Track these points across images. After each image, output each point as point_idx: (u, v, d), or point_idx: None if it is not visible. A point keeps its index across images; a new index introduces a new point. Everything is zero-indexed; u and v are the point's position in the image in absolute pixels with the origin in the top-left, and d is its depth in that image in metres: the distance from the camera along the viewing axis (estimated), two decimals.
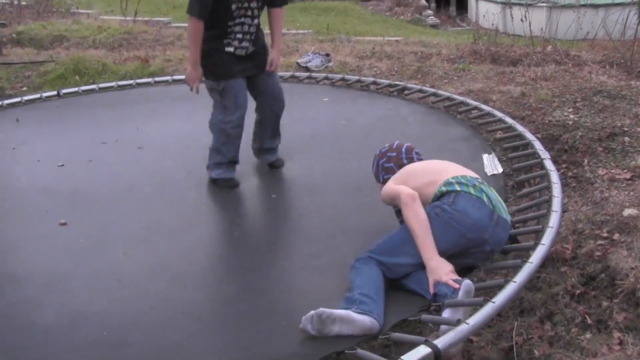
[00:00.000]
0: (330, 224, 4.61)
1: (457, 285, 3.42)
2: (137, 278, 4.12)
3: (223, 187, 5.25)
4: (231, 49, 5.02)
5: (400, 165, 4.25)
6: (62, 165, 5.83)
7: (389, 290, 3.68)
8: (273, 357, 3.31)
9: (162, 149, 6.19)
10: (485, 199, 3.69)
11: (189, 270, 4.21)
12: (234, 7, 4.86)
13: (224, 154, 5.23)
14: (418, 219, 3.65)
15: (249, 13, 4.96)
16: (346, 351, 3.24)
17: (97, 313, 3.75)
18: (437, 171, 3.96)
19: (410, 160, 4.30)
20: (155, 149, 6.20)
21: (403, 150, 4.36)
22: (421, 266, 3.64)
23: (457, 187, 3.72)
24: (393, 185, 3.98)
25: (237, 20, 4.94)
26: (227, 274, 4.23)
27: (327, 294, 3.75)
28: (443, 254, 3.65)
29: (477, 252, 3.73)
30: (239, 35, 5.00)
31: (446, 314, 3.38)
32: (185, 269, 4.21)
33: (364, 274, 3.64)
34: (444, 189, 3.77)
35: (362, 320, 3.31)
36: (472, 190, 3.71)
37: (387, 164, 4.34)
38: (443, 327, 3.28)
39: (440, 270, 3.53)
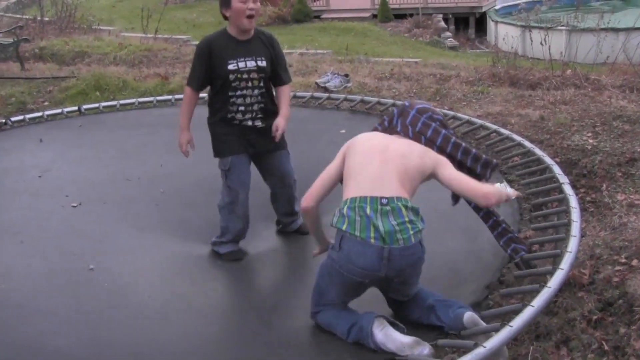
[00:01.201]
0: None
1: None
2: (161, 315, 4.16)
3: (230, 261, 4.94)
4: (236, 122, 4.85)
5: (381, 124, 4.10)
6: (79, 205, 5.75)
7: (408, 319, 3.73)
8: None
9: (184, 175, 6.18)
10: (372, 234, 3.46)
11: (212, 309, 4.26)
12: (232, 77, 4.72)
13: (232, 232, 4.98)
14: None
15: (249, 84, 4.78)
16: None
17: (123, 344, 3.81)
18: (357, 170, 3.72)
19: (390, 125, 4.07)
20: (177, 178, 6.20)
21: (411, 112, 4.10)
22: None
23: (344, 226, 3.51)
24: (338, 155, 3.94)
25: (239, 93, 4.78)
26: (248, 313, 4.23)
27: None
28: (347, 296, 3.71)
29: (387, 284, 3.65)
30: (242, 108, 4.82)
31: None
32: (207, 308, 4.25)
33: (332, 315, 3.73)
34: (335, 220, 3.60)
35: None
36: (357, 230, 3.48)
37: (384, 116, 4.12)
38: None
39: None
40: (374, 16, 23.63)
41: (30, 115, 8.02)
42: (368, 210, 3.48)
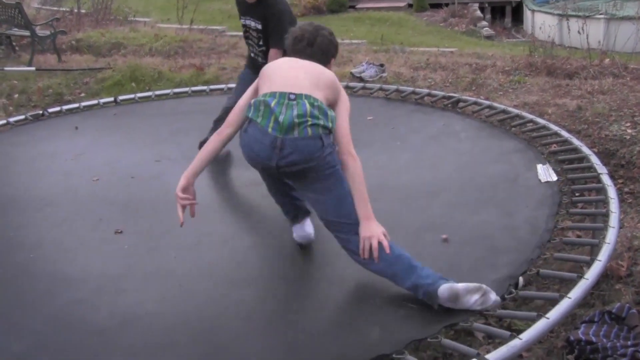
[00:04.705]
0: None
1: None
2: (187, 281, 4.19)
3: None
4: (252, 54, 6.11)
5: None
6: (97, 179, 5.91)
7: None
8: (320, 359, 3.34)
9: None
10: (271, 124, 3.53)
11: (238, 274, 4.27)
12: (243, 29, 5.98)
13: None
14: (203, 148, 3.86)
15: (253, 38, 5.92)
16: (394, 356, 3.22)
17: (148, 314, 3.84)
18: (272, 75, 3.81)
19: None
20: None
21: None
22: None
23: (250, 113, 3.63)
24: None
25: (249, 41, 6.01)
26: (276, 278, 4.26)
27: (381, 293, 3.82)
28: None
29: (284, 172, 3.71)
30: (252, 55, 6.07)
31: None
32: (234, 273, 4.28)
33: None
34: (247, 113, 3.70)
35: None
36: (259, 117, 3.57)
37: None
38: None
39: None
40: (410, 6, 23.46)
41: (67, 107, 8.10)
42: (273, 103, 3.57)
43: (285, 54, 4.11)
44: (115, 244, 4.74)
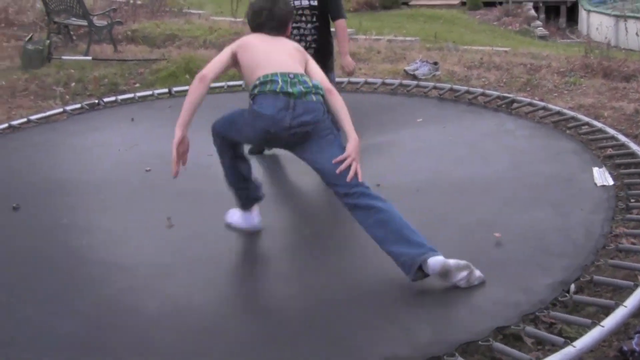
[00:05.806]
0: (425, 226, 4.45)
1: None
2: (237, 271, 4.33)
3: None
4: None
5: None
6: (150, 169, 5.97)
7: (489, 291, 3.76)
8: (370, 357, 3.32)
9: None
10: (283, 91, 3.88)
11: (289, 266, 4.36)
12: None
13: None
14: (189, 95, 4.14)
15: (303, 19, 5.89)
16: (445, 357, 3.21)
17: (198, 302, 3.90)
18: (263, 59, 4.09)
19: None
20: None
21: None
22: None
23: (257, 90, 3.95)
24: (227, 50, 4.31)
25: (295, 25, 5.77)
26: (326, 272, 4.28)
27: (430, 293, 3.82)
28: (249, 142, 4.53)
29: (293, 134, 3.96)
30: (297, 37, 5.84)
31: None
32: (284, 265, 4.36)
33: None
34: (252, 91, 4.02)
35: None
36: (267, 88, 3.91)
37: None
38: None
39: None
40: (463, 4, 23.30)
41: (122, 97, 8.21)
42: (280, 80, 3.93)
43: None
44: (167, 234, 4.82)
